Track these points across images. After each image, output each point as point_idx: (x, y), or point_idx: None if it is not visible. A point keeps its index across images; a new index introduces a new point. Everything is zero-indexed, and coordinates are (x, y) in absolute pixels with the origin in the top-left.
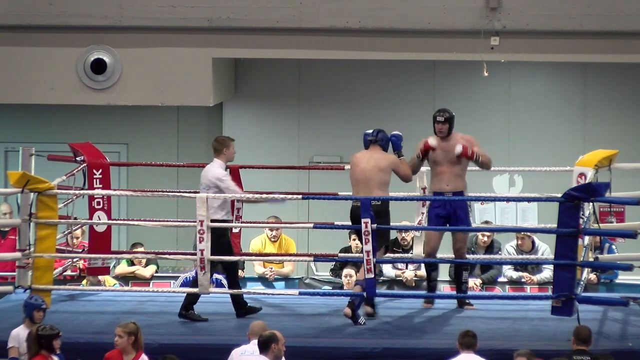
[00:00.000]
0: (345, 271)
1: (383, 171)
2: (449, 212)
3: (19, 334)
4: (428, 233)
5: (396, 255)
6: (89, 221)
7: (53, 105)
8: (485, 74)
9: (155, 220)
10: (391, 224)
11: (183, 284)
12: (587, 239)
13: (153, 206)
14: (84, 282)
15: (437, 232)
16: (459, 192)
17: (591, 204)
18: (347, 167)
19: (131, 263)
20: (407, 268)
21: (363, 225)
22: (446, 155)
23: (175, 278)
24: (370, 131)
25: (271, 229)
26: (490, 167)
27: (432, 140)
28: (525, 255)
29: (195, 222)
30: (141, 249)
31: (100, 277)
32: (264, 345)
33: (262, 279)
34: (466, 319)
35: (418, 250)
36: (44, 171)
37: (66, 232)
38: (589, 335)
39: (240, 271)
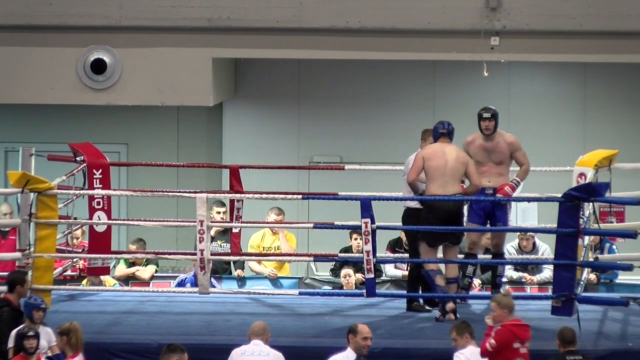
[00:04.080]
0: (344, 271)
1: (464, 165)
2: (487, 209)
3: None
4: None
5: (397, 255)
6: (89, 221)
7: (53, 105)
8: (485, 74)
9: (155, 220)
10: (389, 224)
11: (178, 285)
12: (587, 239)
13: (153, 206)
14: (84, 282)
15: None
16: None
17: (591, 204)
18: (348, 167)
19: (130, 264)
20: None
21: (363, 225)
22: (489, 155)
23: (176, 278)
24: (442, 124)
25: (275, 216)
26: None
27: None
28: (526, 255)
29: (195, 222)
30: (141, 245)
31: (101, 277)
32: (346, 336)
33: (263, 279)
34: (466, 319)
35: None
36: (44, 171)
37: (66, 232)
38: (574, 335)
39: (240, 271)
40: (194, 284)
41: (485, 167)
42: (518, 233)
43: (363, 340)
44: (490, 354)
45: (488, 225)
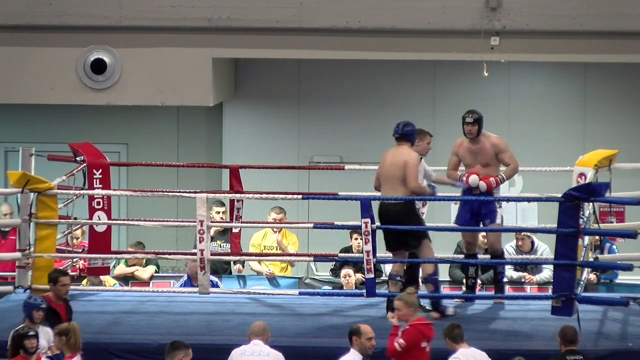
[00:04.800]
0: (344, 271)
1: (402, 168)
2: (474, 209)
3: None
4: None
5: None
6: (89, 221)
7: (53, 105)
8: (485, 74)
9: (155, 220)
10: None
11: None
12: (587, 239)
13: (153, 206)
14: (84, 282)
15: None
16: (488, 192)
17: (591, 204)
18: (347, 167)
19: (130, 265)
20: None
21: (363, 225)
22: (476, 157)
23: (176, 278)
24: (397, 126)
25: (275, 215)
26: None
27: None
28: (525, 255)
29: (195, 222)
30: (140, 248)
31: (101, 277)
32: (348, 338)
33: (263, 279)
34: (466, 319)
35: None
36: (44, 171)
37: (66, 232)
38: (575, 334)
39: (239, 265)
40: (189, 285)
41: (472, 169)
42: (514, 233)
43: (368, 340)
44: (398, 354)
45: (481, 225)
